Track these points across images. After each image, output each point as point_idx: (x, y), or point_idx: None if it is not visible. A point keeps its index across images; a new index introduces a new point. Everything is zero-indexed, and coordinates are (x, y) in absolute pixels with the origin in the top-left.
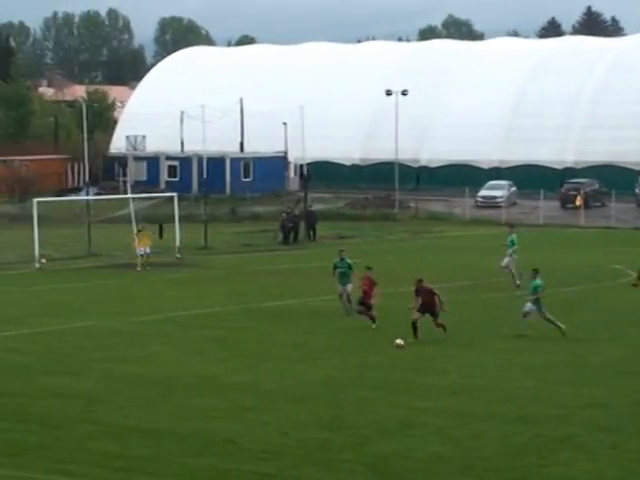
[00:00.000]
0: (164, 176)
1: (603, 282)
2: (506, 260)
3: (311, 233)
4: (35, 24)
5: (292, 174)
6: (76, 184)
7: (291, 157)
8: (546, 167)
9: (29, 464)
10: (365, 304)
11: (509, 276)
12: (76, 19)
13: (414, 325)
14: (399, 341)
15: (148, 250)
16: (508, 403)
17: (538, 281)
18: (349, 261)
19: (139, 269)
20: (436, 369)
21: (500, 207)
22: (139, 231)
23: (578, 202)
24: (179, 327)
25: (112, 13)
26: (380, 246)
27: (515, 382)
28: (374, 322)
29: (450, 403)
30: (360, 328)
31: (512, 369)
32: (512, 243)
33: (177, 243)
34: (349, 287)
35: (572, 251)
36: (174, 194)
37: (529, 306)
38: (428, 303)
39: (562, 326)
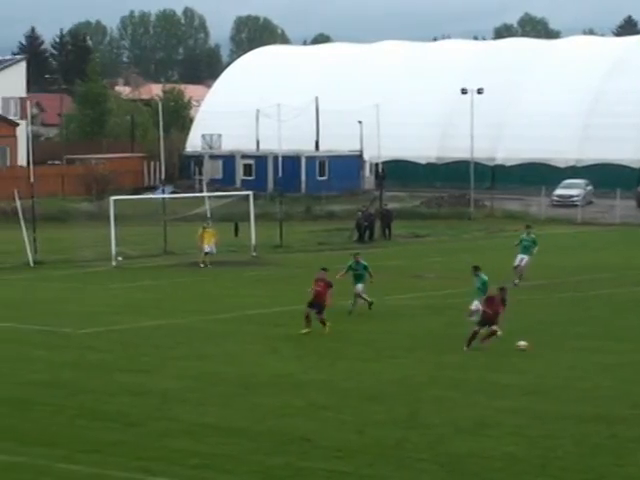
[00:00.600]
0: (240, 175)
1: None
2: (524, 259)
3: (386, 232)
4: (112, 23)
5: (367, 173)
6: (152, 183)
7: (366, 156)
8: (623, 166)
9: (106, 461)
10: (316, 305)
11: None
12: (152, 18)
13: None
14: (522, 343)
15: (213, 248)
16: (584, 403)
17: (484, 277)
18: (364, 263)
19: (202, 266)
20: (512, 368)
21: (576, 206)
22: (204, 229)
23: None
24: (254, 325)
25: (188, 12)
26: (455, 245)
27: (590, 382)
28: (324, 325)
29: (526, 403)
30: (438, 327)
31: (587, 368)
32: (533, 242)
33: (252, 241)
34: (359, 286)
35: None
36: (249, 192)
37: (476, 304)
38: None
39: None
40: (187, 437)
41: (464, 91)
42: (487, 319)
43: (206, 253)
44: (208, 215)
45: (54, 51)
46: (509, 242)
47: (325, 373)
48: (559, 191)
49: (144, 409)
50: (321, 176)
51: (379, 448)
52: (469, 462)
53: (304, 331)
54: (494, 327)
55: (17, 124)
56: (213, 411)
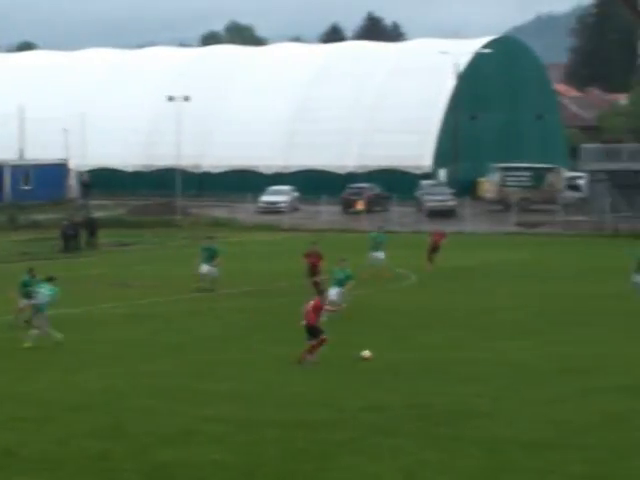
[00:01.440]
0: None
1: (385, 285)
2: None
3: (91, 241)
4: None
5: (73, 181)
6: None
7: (72, 164)
8: (328, 172)
9: None
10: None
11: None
12: None
13: None
14: (366, 353)
15: None
16: (288, 408)
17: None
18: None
19: None
20: (215, 376)
21: (282, 212)
22: None
23: (359, 206)
24: None
25: None
26: (161, 253)
27: (295, 387)
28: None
29: (230, 410)
30: (141, 336)
31: (291, 374)
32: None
33: None
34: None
35: (353, 255)
36: None
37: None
38: None
39: None
40: None
41: (171, 98)
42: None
43: None
44: None
45: None
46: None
47: (28, 385)
48: (265, 198)
49: None
50: (25, 185)
51: (83, 459)
52: (175, 471)
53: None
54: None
55: None
56: None
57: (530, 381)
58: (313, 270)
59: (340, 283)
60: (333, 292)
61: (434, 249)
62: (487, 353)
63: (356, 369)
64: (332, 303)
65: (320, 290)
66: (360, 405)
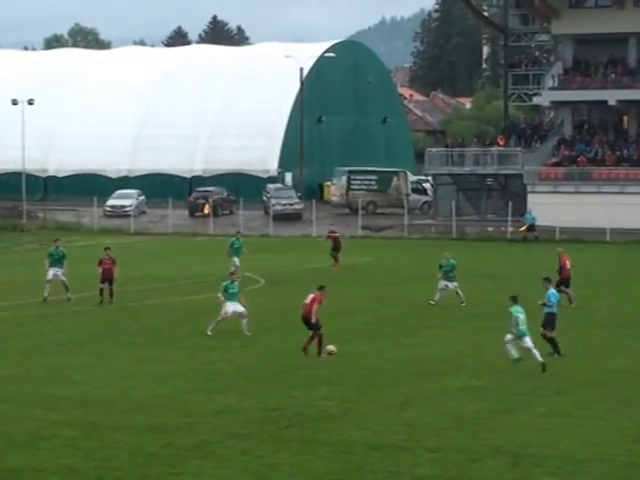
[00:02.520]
0: None
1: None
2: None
3: None
4: None
5: None
6: None
7: None
8: (174, 175)
9: None
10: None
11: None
12: None
13: None
14: (331, 347)
15: None
16: (139, 413)
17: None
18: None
19: None
20: (66, 381)
21: (129, 216)
22: None
23: (206, 210)
24: None
25: None
26: (7, 257)
27: (146, 391)
28: None
29: (81, 414)
30: None
31: (143, 378)
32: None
33: None
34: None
35: (201, 259)
36: None
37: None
38: None
39: None
40: None
41: (14, 102)
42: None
43: None
44: None
45: None
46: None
47: None
48: (111, 201)
49: None
50: None
51: None
52: (24, 476)
53: None
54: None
55: None
56: None
57: (380, 383)
58: (108, 275)
59: None
60: None
61: (336, 248)
62: (337, 356)
63: (207, 373)
64: None
65: None
66: (211, 409)
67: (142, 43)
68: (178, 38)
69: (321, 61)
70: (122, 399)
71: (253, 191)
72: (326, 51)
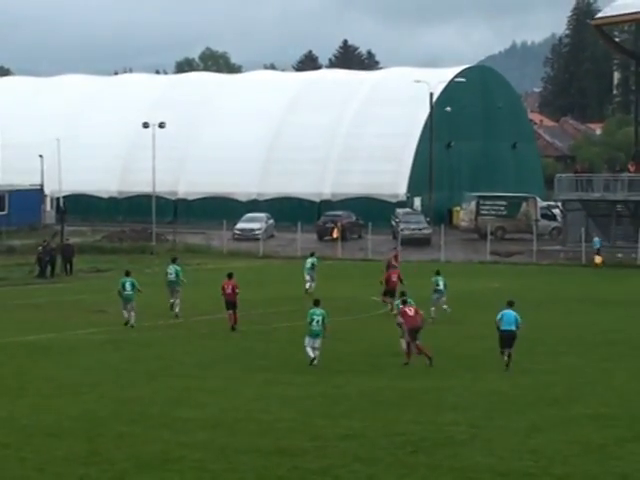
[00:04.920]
0: None
1: (360, 314)
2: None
3: (67, 267)
4: None
5: (48, 207)
6: None
7: (47, 190)
8: (303, 199)
9: None
10: None
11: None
12: None
13: None
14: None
15: None
16: (266, 435)
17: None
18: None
19: None
20: (194, 403)
21: (258, 239)
22: None
23: (335, 234)
24: None
25: None
26: (137, 279)
27: (273, 414)
28: None
29: (208, 437)
30: (119, 362)
31: (270, 401)
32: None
33: None
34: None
35: (329, 283)
36: None
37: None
38: None
39: None
40: None
41: (146, 125)
42: None
43: None
44: None
45: None
46: (191, 276)
47: (4, 410)
48: (240, 225)
49: None
50: (1, 210)
51: None
52: None
53: None
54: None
55: None
56: None
57: (507, 410)
58: (231, 300)
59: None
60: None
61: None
62: (463, 382)
63: (333, 397)
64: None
65: None
66: (338, 433)
67: (272, 67)
68: (308, 62)
69: (451, 86)
70: (250, 422)
71: (381, 215)
72: (456, 76)
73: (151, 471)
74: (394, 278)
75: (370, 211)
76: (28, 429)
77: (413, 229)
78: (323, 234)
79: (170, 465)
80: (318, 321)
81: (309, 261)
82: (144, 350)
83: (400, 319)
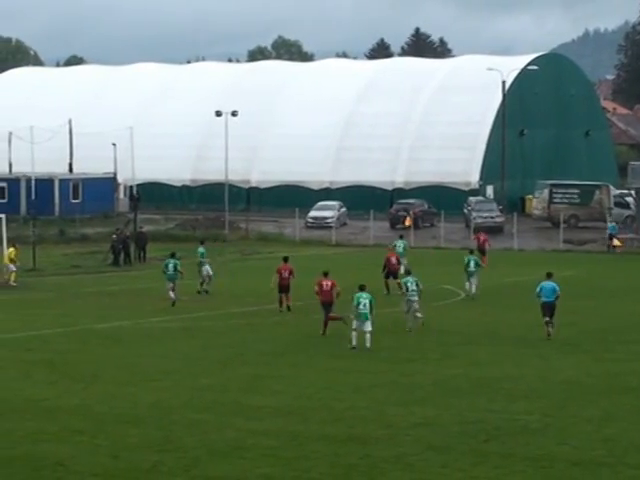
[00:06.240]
0: None
1: (432, 302)
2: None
3: (141, 254)
4: None
5: (122, 195)
6: None
7: (120, 178)
8: (376, 187)
9: None
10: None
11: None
12: None
13: None
14: None
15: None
16: (338, 423)
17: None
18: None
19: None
20: (267, 390)
21: (330, 227)
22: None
23: (407, 222)
24: (5, 350)
25: None
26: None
27: (345, 402)
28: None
29: (281, 424)
30: (192, 350)
31: (342, 389)
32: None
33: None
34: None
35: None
36: (2, 216)
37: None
38: None
39: None
40: None
41: (218, 113)
42: None
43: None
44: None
45: None
46: (263, 264)
47: (79, 397)
48: (313, 213)
49: None
50: (75, 199)
51: (134, 472)
52: None
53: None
54: None
55: None
56: None
57: (580, 398)
58: (284, 284)
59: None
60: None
61: (481, 250)
62: (536, 370)
63: (405, 385)
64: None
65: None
66: (410, 421)
67: (344, 55)
68: (380, 50)
69: (524, 74)
70: (322, 409)
71: (454, 204)
72: (529, 64)
73: (223, 458)
74: (393, 260)
75: (442, 199)
76: (102, 416)
77: (486, 217)
78: (395, 222)
79: (242, 452)
80: (365, 304)
81: (399, 244)
82: (217, 338)
83: (317, 288)
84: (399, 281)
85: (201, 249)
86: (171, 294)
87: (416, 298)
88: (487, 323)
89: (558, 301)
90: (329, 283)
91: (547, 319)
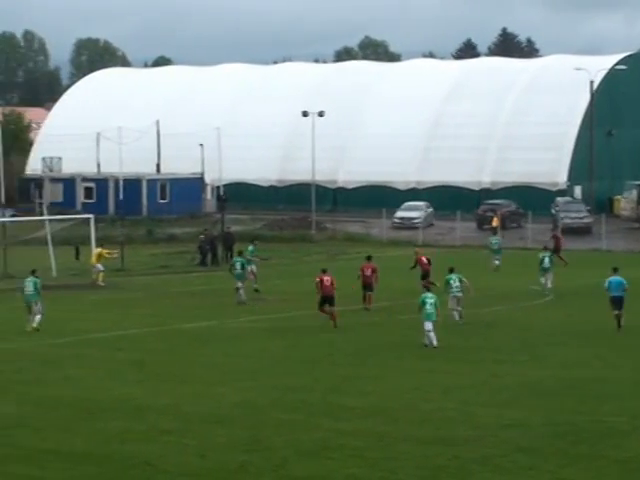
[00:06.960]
0: (80, 198)
1: (520, 303)
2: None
3: (228, 255)
4: None
5: (209, 195)
6: None
7: (208, 178)
8: (463, 188)
9: None
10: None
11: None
12: None
13: None
14: None
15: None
16: (426, 424)
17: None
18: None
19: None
20: (355, 391)
21: (417, 228)
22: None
23: (495, 223)
24: (96, 349)
25: (28, 34)
26: (297, 267)
27: (433, 403)
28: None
29: (369, 425)
30: (280, 350)
31: (430, 390)
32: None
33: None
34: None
35: (489, 272)
36: (90, 216)
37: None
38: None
39: None
40: (29, 463)
41: (305, 114)
42: None
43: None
44: (48, 239)
45: None
46: (350, 264)
47: (167, 397)
48: (400, 213)
49: None
50: (162, 199)
51: (222, 472)
52: None
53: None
54: None
55: None
56: (54, 436)
57: None
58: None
59: None
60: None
61: (557, 250)
62: (623, 371)
63: (494, 386)
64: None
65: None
66: (498, 423)
67: (431, 55)
68: (467, 50)
69: (612, 74)
70: (410, 410)
71: (541, 204)
72: (617, 63)
73: (311, 459)
74: (424, 260)
75: (530, 200)
76: (190, 416)
77: (574, 218)
78: (483, 223)
79: (330, 453)
80: (432, 304)
81: (494, 241)
82: (305, 338)
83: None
84: (430, 281)
85: (251, 247)
86: (241, 293)
87: (460, 294)
88: (574, 324)
89: (626, 294)
90: (329, 279)
91: (616, 312)
